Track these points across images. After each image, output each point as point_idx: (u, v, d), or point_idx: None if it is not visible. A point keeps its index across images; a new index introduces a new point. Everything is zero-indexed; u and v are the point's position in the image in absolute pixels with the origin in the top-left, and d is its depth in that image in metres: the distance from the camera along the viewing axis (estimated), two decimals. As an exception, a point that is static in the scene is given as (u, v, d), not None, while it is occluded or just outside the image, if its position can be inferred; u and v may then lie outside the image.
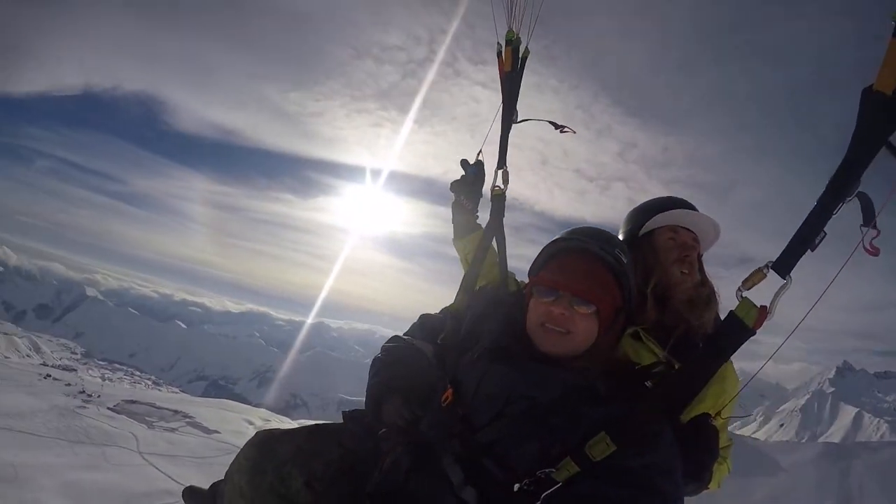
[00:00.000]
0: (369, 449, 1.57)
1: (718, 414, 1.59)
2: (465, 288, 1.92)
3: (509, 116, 2.07)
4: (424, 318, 1.90)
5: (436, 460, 1.36)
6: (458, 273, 2.07)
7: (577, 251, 1.51)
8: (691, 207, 1.95)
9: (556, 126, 2.09)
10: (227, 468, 1.69)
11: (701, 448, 1.48)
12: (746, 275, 1.31)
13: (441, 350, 1.71)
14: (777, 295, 1.26)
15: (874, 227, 1.20)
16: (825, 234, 1.21)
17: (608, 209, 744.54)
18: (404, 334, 1.85)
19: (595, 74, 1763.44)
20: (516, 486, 1.29)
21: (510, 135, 2.09)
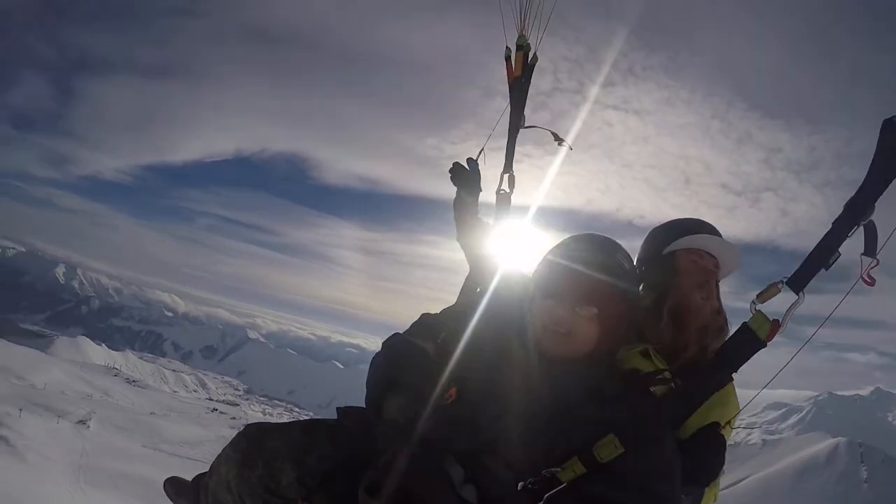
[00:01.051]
0: (365, 446, 1.54)
1: (728, 423, 1.62)
2: (468, 288, 1.97)
3: (517, 122, 2.11)
4: (425, 318, 1.87)
5: (436, 458, 1.36)
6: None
7: (580, 257, 1.52)
8: (716, 232, 1.93)
9: (557, 138, 2.13)
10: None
11: (711, 455, 1.55)
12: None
13: (442, 349, 1.68)
14: (790, 310, 1.30)
15: (874, 256, 1.25)
16: (839, 254, 1.26)
17: (760, 223, 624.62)
18: (405, 333, 1.82)
19: (727, 79, 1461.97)
20: (520, 485, 1.30)
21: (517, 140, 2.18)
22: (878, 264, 1.25)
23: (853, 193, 1.25)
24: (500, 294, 1.77)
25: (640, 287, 1.85)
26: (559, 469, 1.30)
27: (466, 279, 2.00)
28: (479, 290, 1.93)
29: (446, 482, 1.31)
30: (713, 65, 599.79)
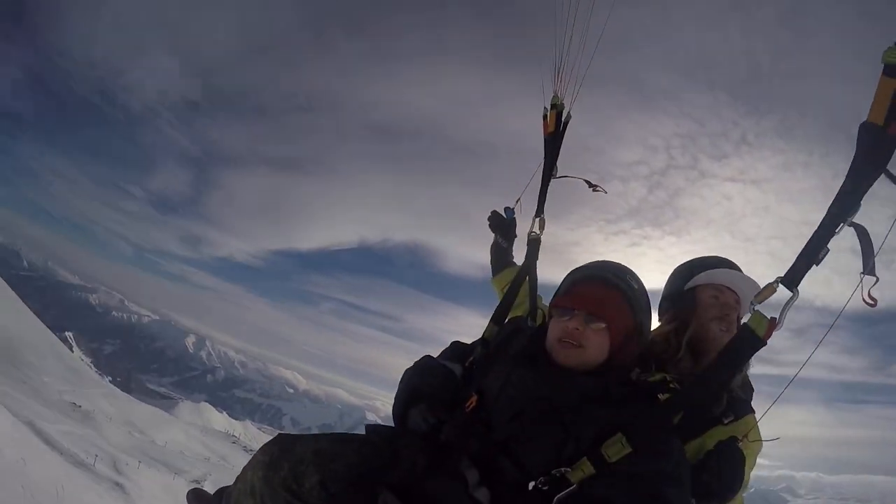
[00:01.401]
0: (388, 459, 1.59)
1: (746, 437, 1.65)
2: (496, 319, 2.05)
3: (549, 172, 2.30)
4: (456, 344, 2.01)
5: (453, 461, 1.41)
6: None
7: (592, 278, 1.70)
8: (737, 268, 2.02)
9: (590, 185, 2.28)
10: None
11: (729, 469, 1.55)
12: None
13: (469, 371, 1.82)
14: (786, 307, 1.34)
15: (873, 273, 1.27)
16: (828, 250, 1.30)
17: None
18: (437, 357, 1.93)
19: (843, 134, 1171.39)
20: (531, 485, 1.35)
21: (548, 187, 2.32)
22: (877, 282, 1.27)
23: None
24: (525, 323, 1.95)
25: (661, 319, 2.06)
26: (569, 469, 1.34)
27: (495, 312, 2.08)
28: (506, 321, 2.04)
29: (461, 485, 1.35)
30: (827, 121, 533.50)
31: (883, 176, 1.26)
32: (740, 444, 1.64)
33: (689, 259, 2.16)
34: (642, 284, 1.72)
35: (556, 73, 2.36)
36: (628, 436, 1.34)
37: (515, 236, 2.59)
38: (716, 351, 1.76)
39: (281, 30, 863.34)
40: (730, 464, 1.60)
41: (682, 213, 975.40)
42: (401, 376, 1.84)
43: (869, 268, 1.27)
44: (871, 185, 1.26)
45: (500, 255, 2.62)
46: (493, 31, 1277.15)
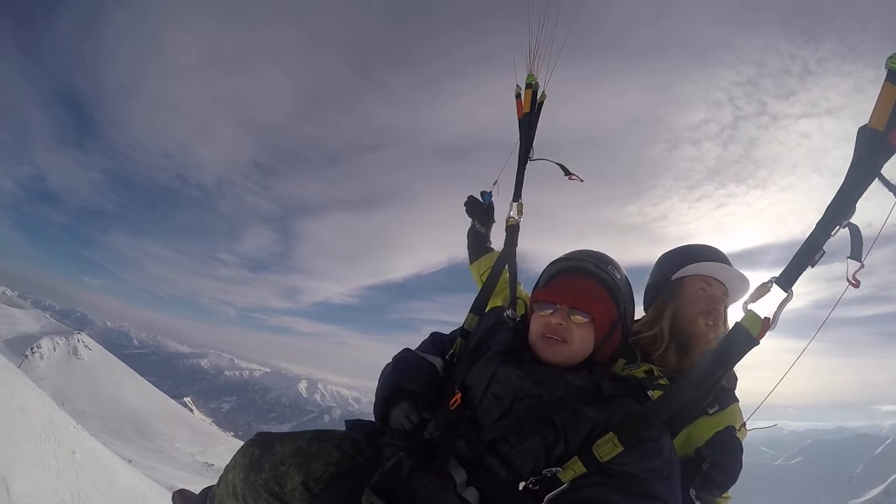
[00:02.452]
0: (370, 456, 1.60)
1: (743, 426, 1.71)
2: (476, 309, 1.99)
3: (526, 154, 2.23)
4: (435, 336, 1.99)
5: (439, 461, 1.39)
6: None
7: (573, 269, 1.67)
8: (726, 260, 1.96)
9: (566, 172, 2.20)
10: None
11: (729, 457, 1.59)
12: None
13: (450, 365, 1.80)
14: (779, 307, 1.32)
15: (860, 260, 1.29)
16: (824, 252, 1.29)
17: None
18: (415, 349, 1.90)
19: None
20: (521, 485, 1.33)
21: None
22: (862, 267, 1.29)
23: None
24: (506, 314, 1.85)
25: (646, 309, 2.03)
26: (560, 469, 1.32)
27: (474, 302, 2.03)
28: (486, 311, 1.98)
29: (449, 485, 1.33)
30: (891, 27, 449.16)
31: (877, 180, 1.26)
32: (738, 433, 1.68)
33: (676, 246, 2.10)
34: (625, 273, 1.69)
35: (531, 51, 2.26)
36: (620, 435, 1.31)
37: (493, 221, 2.52)
38: (701, 345, 1.82)
39: (330, 80, 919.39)
40: (730, 453, 1.62)
41: (763, 162, 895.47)
42: (381, 371, 1.78)
43: (856, 253, 1.29)
44: (866, 188, 1.26)
45: (478, 241, 2.53)
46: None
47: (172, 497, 2.05)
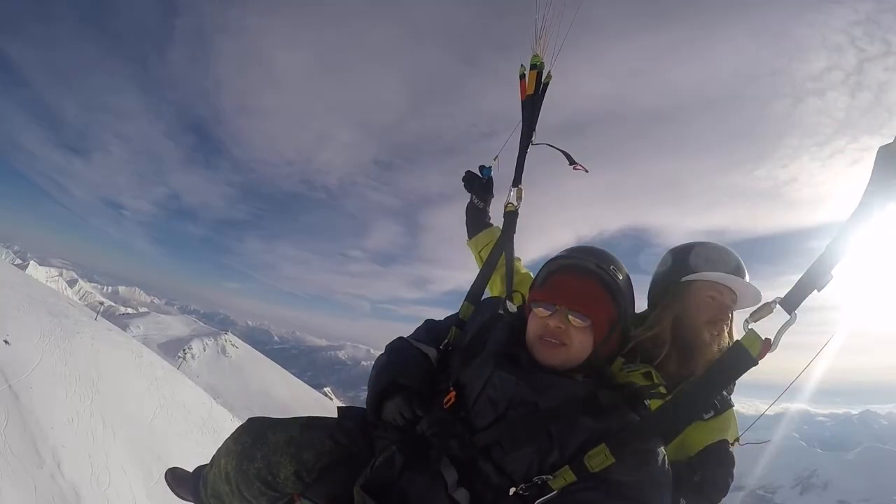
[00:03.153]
0: (362, 446, 1.60)
1: (737, 440, 1.73)
2: (472, 297, 1.93)
3: (528, 137, 2.12)
4: (430, 324, 1.93)
5: (431, 460, 1.39)
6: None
7: (575, 268, 1.58)
8: (741, 268, 1.87)
9: (571, 161, 2.11)
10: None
11: (720, 471, 1.63)
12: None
13: (444, 355, 1.76)
14: (782, 329, 1.28)
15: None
16: (832, 276, 1.23)
17: None
18: (409, 337, 1.85)
19: None
20: (511, 491, 1.32)
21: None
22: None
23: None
24: (502, 306, 1.78)
25: (651, 303, 1.98)
26: (550, 477, 1.31)
27: (470, 290, 1.97)
28: (482, 301, 1.93)
29: (440, 485, 1.33)
30: None
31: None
32: (731, 447, 1.70)
33: (690, 243, 1.99)
34: (626, 273, 1.62)
35: (537, 31, 2.15)
36: (612, 447, 1.29)
37: (492, 196, 2.45)
38: (703, 355, 1.79)
39: (439, 73, 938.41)
40: (722, 467, 1.64)
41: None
42: (374, 361, 1.76)
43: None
44: (884, 209, 1.22)
45: (476, 216, 2.45)
46: None
47: (165, 475, 2.10)
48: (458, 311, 1.91)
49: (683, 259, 1.94)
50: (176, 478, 2.06)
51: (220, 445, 1.77)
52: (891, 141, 1.20)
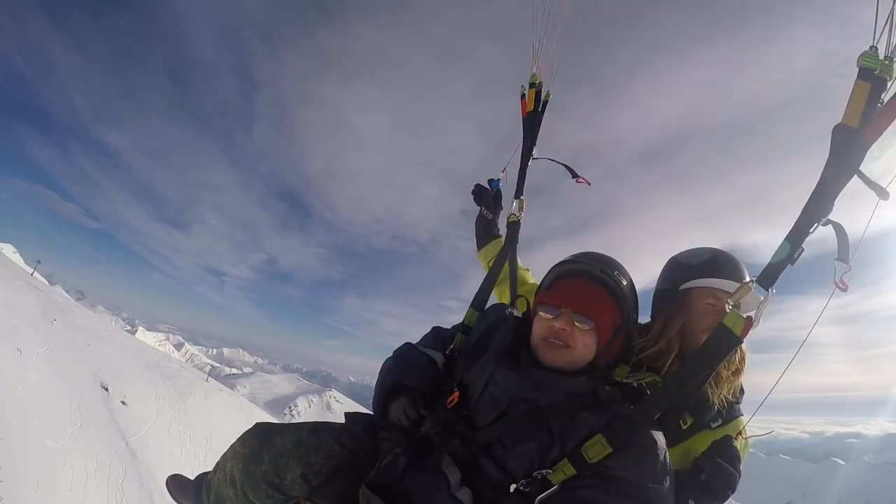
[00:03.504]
0: (369, 450, 1.62)
1: (740, 433, 1.75)
2: (477, 304, 1.98)
3: (529, 153, 2.26)
4: (436, 330, 1.96)
5: (434, 459, 1.39)
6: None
7: (580, 273, 1.64)
8: (738, 271, 1.87)
9: (573, 174, 2.21)
10: None
11: (726, 467, 1.60)
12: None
13: (450, 360, 1.79)
14: (761, 306, 1.35)
15: (847, 261, 1.29)
16: (803, 249, 1.32)
17: None
18: (417, 343, 1.89)
19: None
20: (512, 487, 1.33)
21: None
22: (850, 269, 1.29)
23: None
24: (507, 311, 1.83)
25: (653, 315, 1.95)
26: (550, 471, 1.32)
27: (475, 297, 2.01)
28: (487, 308, 1.97)
29: (443, 484, 1.33)
30: None
31: (856, 177, 1.27)
32: (735, 442, 1.71)
33: (687, 251, 2.01)
34: (630, 278, 1.67)
35: (534, 52, 2.29)
36: (607, 436, 1.32)
37: (501, 208, 2.52)
38: None
39: (513, 116, 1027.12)
40: (728, 461, 1.63)
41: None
42: (381, 365, 1.79)
43: (843, 254, 1.29)
44: (845, 185, 1.28)
45: (485, 228, 2.53)
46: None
47: (166, 482, 2.09)
48: (463, 318, 1.95)
49: (680, 268, 1.97)
50: (177, 485, 2.04)
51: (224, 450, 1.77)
52: (839, 121, 1.28)
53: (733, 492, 1.60)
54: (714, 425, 1.76)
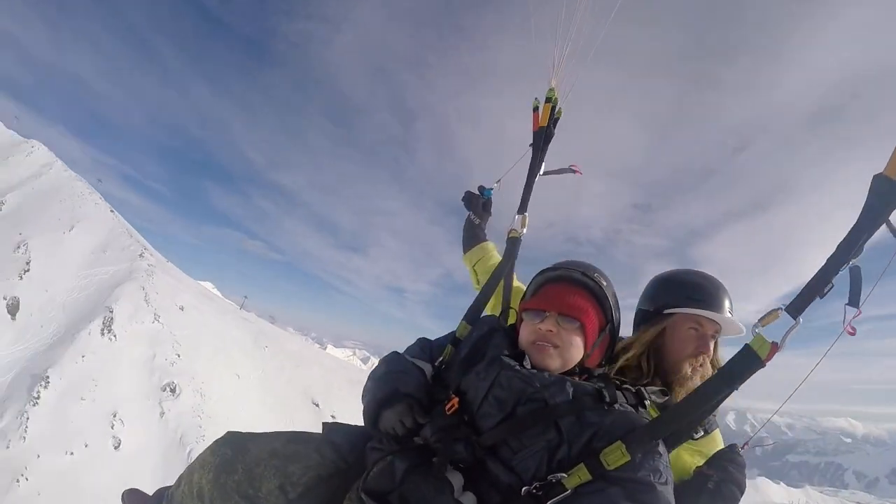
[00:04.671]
0: (351, 461, 1.56)
1: (747, 444, 1.79)
2: (469, 318, 1.95)
3: (536, 168, 2.20)
4: (423, 342, 1.93)
5: (436, 465, 1.37)
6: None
7: (562, 279, 1.70)
8: (721, 300, 1.90)
9: (568, 170, 2.25)
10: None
11: (736, 471, 1.66)
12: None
13: (439, 372, 1.76)
14: (788, 333, 1.37)
15: (857, 307, 1.35)
16: (833, 285, 1.35)
17: None
18: (404, 353, 1.86)
19: None
20: (524, 490, 1.32)
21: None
22: (860, 314, 1.35)
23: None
24: (499, 322, 1.83)
25: (635, 330, 2.02)
26: (565, 475, 1.32)
27: (469, 310, 2.00)
28: (479, 319, 1.96)
29: (445, 489, 1.32)
30: None
31: (885, 226, 1.33)
32: (742, 450, 1.76)
33: (673, 272, 2.06)
34: (610, 281, 1.71)
35: (554, 65, 2.22)
36: (628, 445, 1.32)
37: (490, 215, 2.58)
38: (684, 389, 1.83)
39: (674, 99, 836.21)
40: (737, 468, 1.68)
41: None
42: (370, 374, 1.77)
43: (853, 300, 1.35)
44: (874, 233, 1.33)
45: (472, 232, 2.58)
46: None
47: (122, 496, 1.89)
48: (454, 330, 1.94)
49: (664, 291, 1.99)
50: (133, 499, 1.86)
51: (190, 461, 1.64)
52: (881, 171, 1.32)
53: (742, 495, 1.64)
54: (697, 436, 1.80)
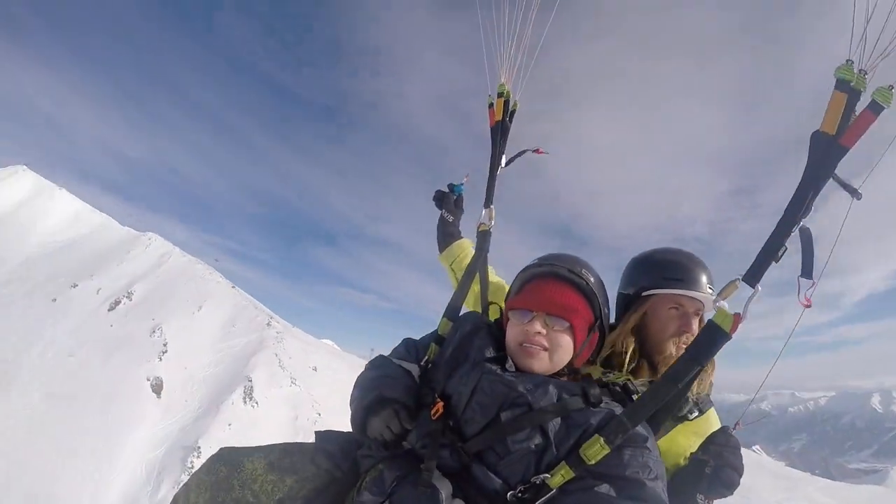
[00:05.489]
0: (345, 469, 1.56)
1: (738, 423, 1.77)
2: (450, 313, 1.93)
3: (497, 162, 2.23)
4: (408, 342, 1.90)
5: (424, 473, 1.35)
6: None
7: (548, 275, 1.62)
8: (700, 277, 1.90)
9: (533, 151, 2.29)
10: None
11: (731, 454, 1.62)
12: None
13: (425, 372, 1.73)
14: (748, 302, 1.38)
15: (810, 277, 1.33)
16: (787, 248, 1.35)
17: None
18: (389, 356, 1.83)
19: None
20: (510, 495, 1.30)
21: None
22: (814, 286, 1.33)
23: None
24: (482, 319, 1.79)
25: (618, 319, 2.01)
26: (548, 476, 1.30)
27: (448, 307, 1.97)
28: (460, 316, 1.93)
29: (435, 497, 1.30)
30: None
31: (832, 180, 1.33)
32: (734, 430, 1.74)
33: (650, 252, 2.06)
34: (598, 275, 1.66)
35: (502, 61, 2.25)
36: (605, 437, 1.31)
37: (463, 211, 2.54)
38: (668, 367, 1.77)
39: (743, 71, 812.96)
40: (733, 450, 1.64)
41: None
42: (356, 379, 1.72)
43: (806, 270, 1.33)
44: (822, 188, 1.33)
45: (446, 231, 2.52)
46: None
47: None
48: (436, 328, 1.91)
49: (642, 272, 1.99)
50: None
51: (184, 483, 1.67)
52: (818, 128, 1.34)
53: (741, 477, 1.61)
54: (692, 416, 1.78)
